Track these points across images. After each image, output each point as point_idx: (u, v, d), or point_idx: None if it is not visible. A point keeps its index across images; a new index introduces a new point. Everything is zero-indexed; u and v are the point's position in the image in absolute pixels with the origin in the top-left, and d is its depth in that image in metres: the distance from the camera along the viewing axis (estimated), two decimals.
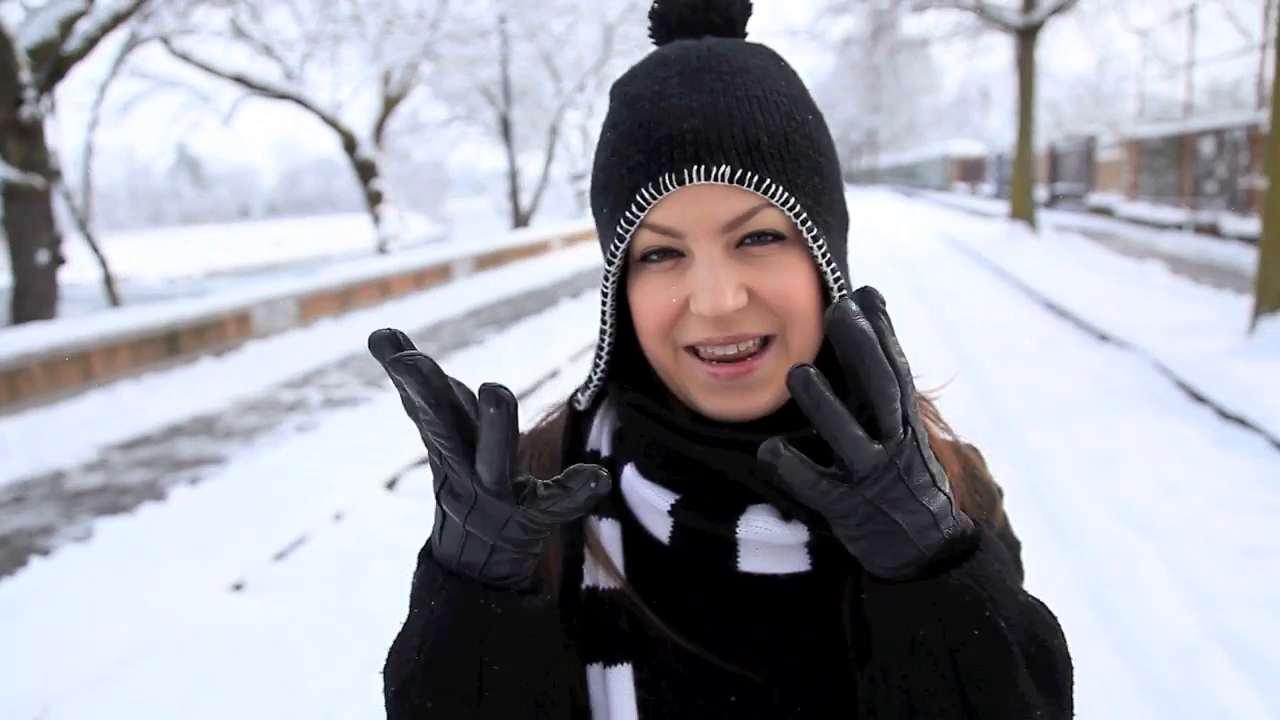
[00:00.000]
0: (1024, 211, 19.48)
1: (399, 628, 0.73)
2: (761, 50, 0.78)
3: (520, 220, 27.08)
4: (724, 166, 0.69)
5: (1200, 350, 7.55)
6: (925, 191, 50.15)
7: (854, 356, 0.59)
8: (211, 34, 17.41)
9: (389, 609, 4.26)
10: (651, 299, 0.74)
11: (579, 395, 0.86)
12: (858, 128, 68.67)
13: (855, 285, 0.89)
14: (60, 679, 3.49)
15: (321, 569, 4.59)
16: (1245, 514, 4.59)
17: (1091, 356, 8.26)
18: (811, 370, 0.58)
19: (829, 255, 0.74)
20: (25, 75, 10.03)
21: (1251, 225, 13.83)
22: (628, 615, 0.78)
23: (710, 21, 0.80)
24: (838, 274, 0.75)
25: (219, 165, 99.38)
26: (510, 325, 12.24)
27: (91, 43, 11.09)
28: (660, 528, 0.80)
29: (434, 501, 0.67)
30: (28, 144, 10.20)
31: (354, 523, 5.17)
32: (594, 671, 0.77)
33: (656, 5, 0.81)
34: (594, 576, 0.80)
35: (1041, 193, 28.07)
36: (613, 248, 0.75)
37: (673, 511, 0.78)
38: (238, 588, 4.37)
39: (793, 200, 0.71)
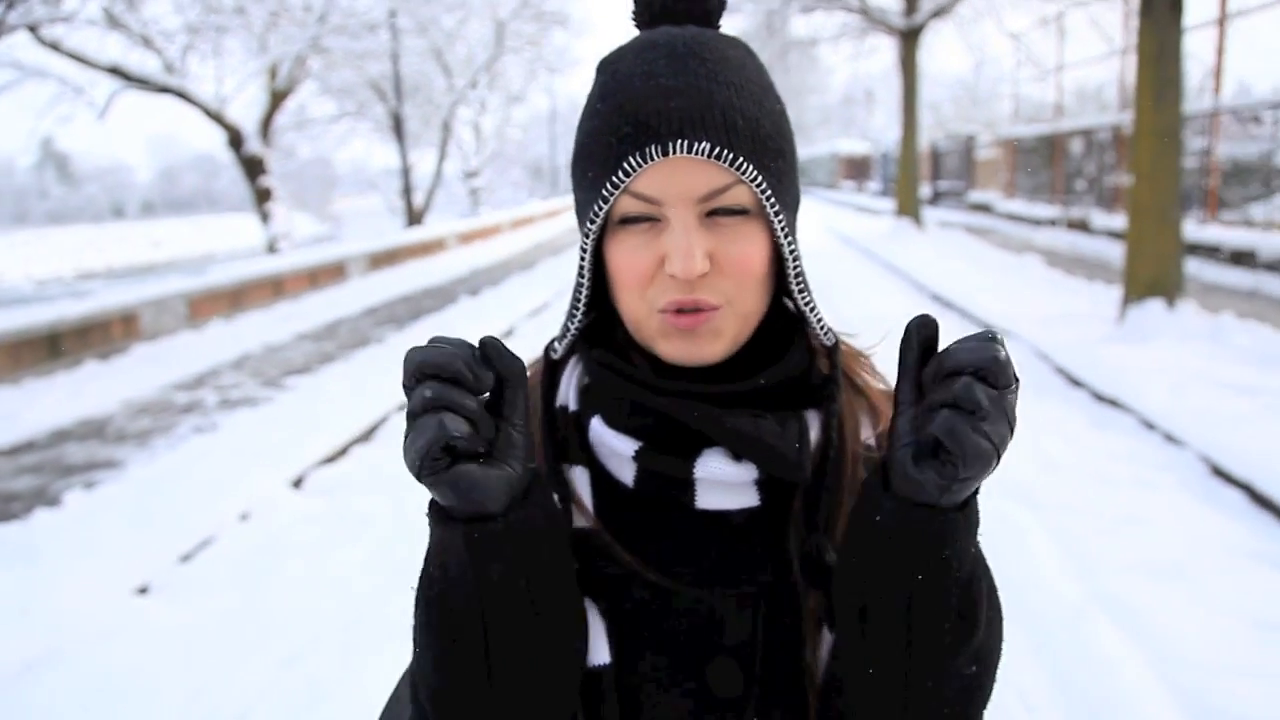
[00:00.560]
0: (909, 208, 20.19)
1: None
2: (738, 43, 0.87)
3: (414, 218, 26.67)
4: (704, 143, 0.78)
5: (1076, 337, 8.01)
6: (814, 189, 51.39)
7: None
8: (85, 22, 16.61)
9: (299, 608, 4.25)
10: (630, 257, 0.82)
11: (554, 344, 0.93)
12: None
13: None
14: None
15: (229, 570, 4.51)
16: (1120, 487, 4.93)
17: None
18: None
19: (787, 230, 0.84)
20: None
21: (1118, 221, 14.68)
22: (599, 553, 0.86)
23: (690, 11, 0.88)
24: (793, 247, 0.85)
25: (89, 161, 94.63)
26: (410, 323, 12.09)
27: None
28: (626, 473, 0.88)
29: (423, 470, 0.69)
30: None
31: (261, 522, 5.08)
32: None
33: None
34: (575, 520, 0.88)
35: (925, 190, 29.11)
36: (595, 209, 0.82)
37: (636, 456, 0.86)
38: (143, 591, 4.26)
39: (760, 179, 0.81)
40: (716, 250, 0.81)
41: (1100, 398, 6.52)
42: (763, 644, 0.86)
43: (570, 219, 30.35)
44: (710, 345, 0.83)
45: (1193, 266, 11.43)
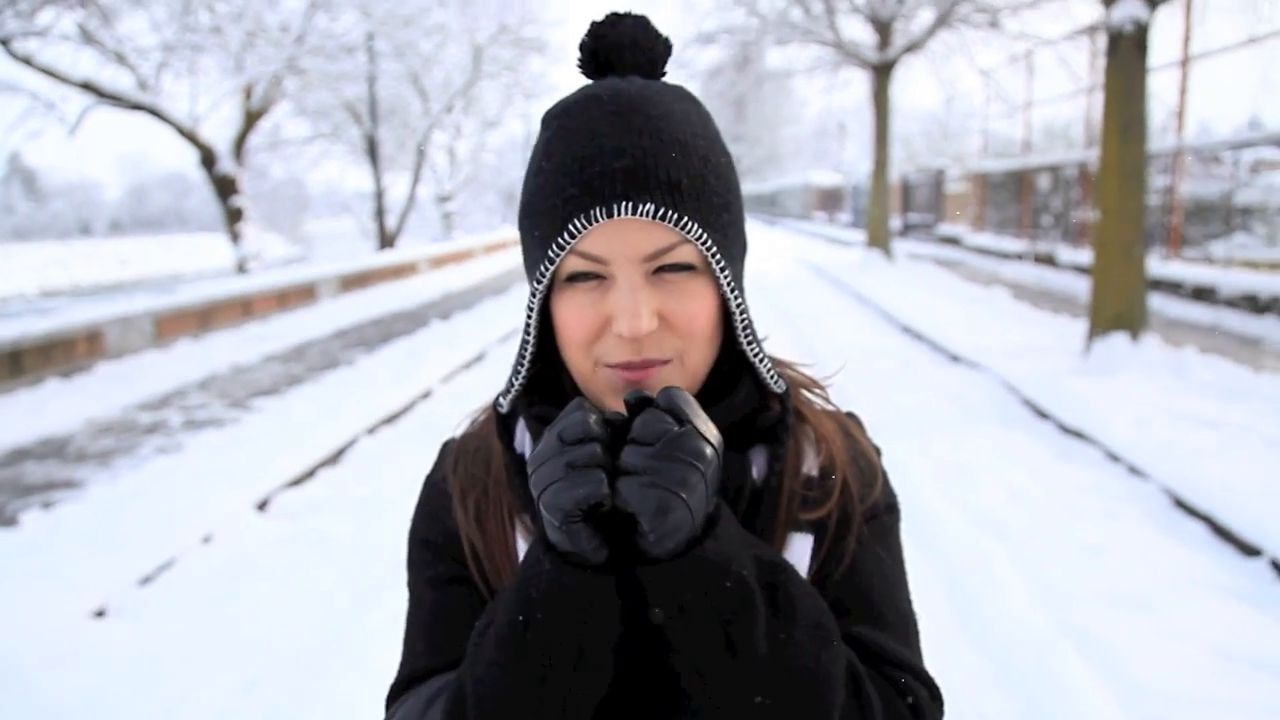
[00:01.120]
0: (880, 240, 20.40)
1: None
2: (682, 94, 0.88)
3: (386, 241, 26.59)
4: (649, 204, 0.79)
5: (1042, 370, 8.11)
6: (786, 219, 51.83)
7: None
8: (59, 37, 16.49)
9: (261, 632, 4.19)
10: (577, 315, 0.83)
11: (500, 400, 0.93)
12: None
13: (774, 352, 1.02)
14: None
15: (191, 593, 4.43)
16: (1085, 518, 4.98)
17: (945, 376, 8.74)
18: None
19: (733, 285, 0.86)
20: None
21: (1083, 255, 14.92)
22: None
23: (635, 61, 0.89)
24: (739, 300, 0.87)
25: (57, 178, 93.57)
26: (380, 346, 12.02)
27: None
28: None
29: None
30: None
31: (224, 545, 5.01)
32: None
33: (587, 40, 0.89)
34: None
35: (896, 222, 29.45)
36: (542, 269, 0.83)
37: None
38: (100, 614, 4.18)
39: (705, 236, 0.82)
40: (664, 308, 0.82)
41: (1066, 430, 6.59)
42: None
43: None
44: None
45: (1156, 301, 11.64)
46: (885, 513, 0.98)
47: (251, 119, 19.86)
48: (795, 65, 24.09)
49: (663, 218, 0.79)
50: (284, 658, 3.76)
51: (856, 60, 20.23)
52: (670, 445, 0.72)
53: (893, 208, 25.95)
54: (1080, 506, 5.16)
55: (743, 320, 0.87)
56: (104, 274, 40.02)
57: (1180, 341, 9.12)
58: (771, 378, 0.90)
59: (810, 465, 0.95)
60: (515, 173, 54.63)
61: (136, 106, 17.73)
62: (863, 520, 0.94)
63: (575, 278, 0.83)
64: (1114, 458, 5.89)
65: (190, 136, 18.65)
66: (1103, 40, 8.66)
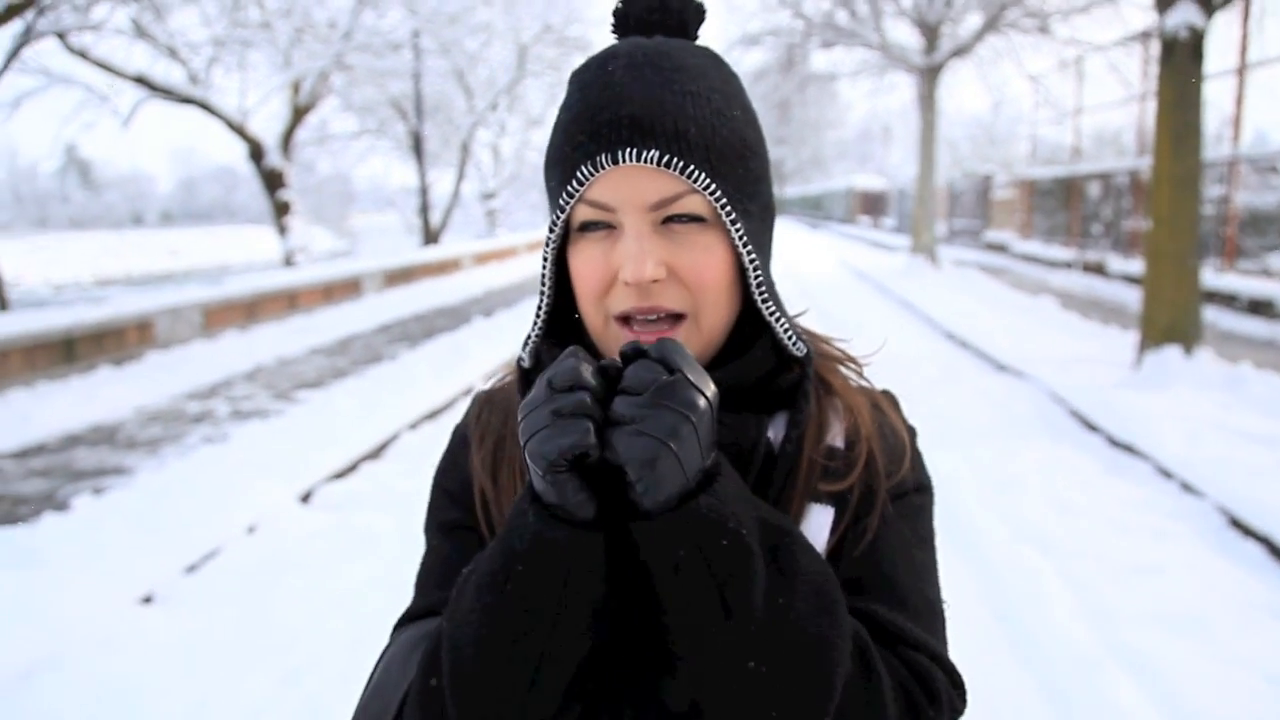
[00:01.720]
0: (925, 245, 20.20)
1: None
2: (704, 52, 0.88)
3: (430, 237, 26.79)
4: (653, 151, 0.79)
5: (1091, 381, 7.96)
6: (829, 223, 51.47)
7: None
8: (113, 31, 16.81)
9: (302, 624, 4.21)
10: (587, 265, 0.84)
11: (522, 355, 0.93)
12: None
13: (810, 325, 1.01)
14: None
15: (234, 582, 4.48)
16: (1135, 535, 4.87)
17: (991, 385, 8.62)
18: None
19: (746, 239, 0.84)
20: None
21: (1135, 265, 14.65)
22: None
23: (665, 23, 0.90)
24: (753, 256, 0.84)
25: (111, 169, 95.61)
26: (423, 341, 12.11)
27: None
28: None
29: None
30: None
31: (267, 536, 5.06)
32: None
33: (619, 4, 0.91)
34: None
35: (941, 228, 29.14)
36: (555, 218, 0.84)
37: None
38: (147, 600, 4.24)
39: (714, 187, 0.81)
40: (671, 258, 0.82)
41: (1116, 443, 6.47)
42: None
43: None
44: None
45: (1210, 314, 11.39)
46: (915, 492, 0.95)
47: (299, 114, 20.11)
48: (840, 68, 23.97)
49: (667, 165, 0.79)
50: (325, 650, 3.78)
51: (903, 64, 20.04)
52: (659, 393, 0.69)
53: (938, 213, 25.69)
54: (1130, 522, 5.05)
55: (757, 277, 0.85)
56: (155, 264, 40.76)
57: (1235, 356, 8.91)
58: (790, 339, 0.88)
59: (835, 436, 0.93)
60: None
61: (187, 100, 18.03)
62: (888, 497, 0.91)
63: (586, 227, 0.84)
64: (1165, 473, 5.77)
65: (239, 130, 18.93)
66: (1156, 47, 8.49)
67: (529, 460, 0.71)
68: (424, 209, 26.42)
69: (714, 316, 0.85)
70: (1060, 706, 3.29)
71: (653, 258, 0.80)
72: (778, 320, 0.88)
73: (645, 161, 0.79)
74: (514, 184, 38.31)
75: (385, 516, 5.30)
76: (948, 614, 0.94)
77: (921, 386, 8.45)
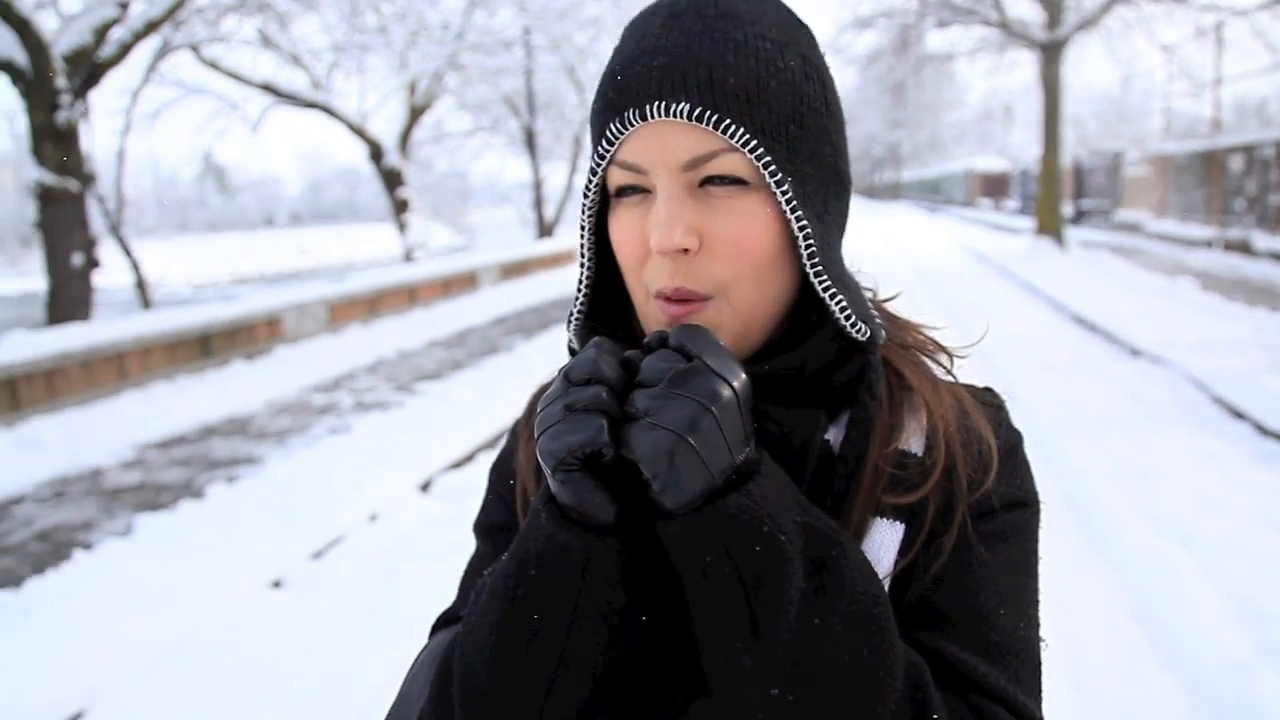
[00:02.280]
0: (1050, 227, 19.41)
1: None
2: (767, 2, 0.77)
3: (544, 230, 27.16)
4: (683, 104, 0.70)
5: (1237, 366, 7.48)
6: (949, 207, 49.99)
7: None
8: (241, 42, 17.59)
9: (421, 609, 4.28)
10: (624, 234, 0.76)
11: (571, 336, 0.86)
12: (880, 142, 68.58)
13: (883, 295, 0.89)
14: (105, 670, 3.52)
15: (358, 569, 4.61)
16: None
17: (1124, 371, 8.20)
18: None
19: (795, 204, 0.73)
20: (61, 81, 10.17)
21: None
22: None
23: None
24: (804, 223, 0.73)
25: (244, 174, 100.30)
26: (538, 333, 12.27)
27: (125, 49, 11.22)
28: None
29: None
30: (63, 148, 10.33)
31: (389, 524, 5.19)
32: None
33: None
34: None
35: (1068, 208, 27.95)
36: (589, 182, 0.77)
37: None
38: (276, 585, 4.39)
39: (756, 144, 0.71)
40: (705, 226, 0.73)
41: (1265, 431, 6.05)
42: None
43: None
44: None
45: None
46: (1007, 509, 0.79)
47: (416, 114, 20.65)
48: (957, 47, 23.16)
49: (700, 119, 0.70)
50: None
51: (1024, 40, 19.27)
52: (674, 383, 0.64)
53: (1064, 193, 24.61)
54: None
55: (809, 247, 0.74)
56: (285, 263, 42.55)
57: None
58: (850, 321, 0.76)
59: (910, 440, 0.79)
60: None
61: (310, 105, 18.73)
62: (969, 514, 0.77)
63: (621, 192, 0.76)
64: None
65: (359, 132, 19.56)
66: None
67: (540, 459, 0.66)
68: (538, 203, 26.79)
69: (754, 293, 0.75)
70: (1208, 713, 3.08)
71: (682, 223, 0.71)
72: (834, 298, 0.75)
73: (675, 116, 0.71)
74: None
75: None
76: (1045, 655, 0.80)
77: (1049, 374, 8.10)
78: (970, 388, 0.87)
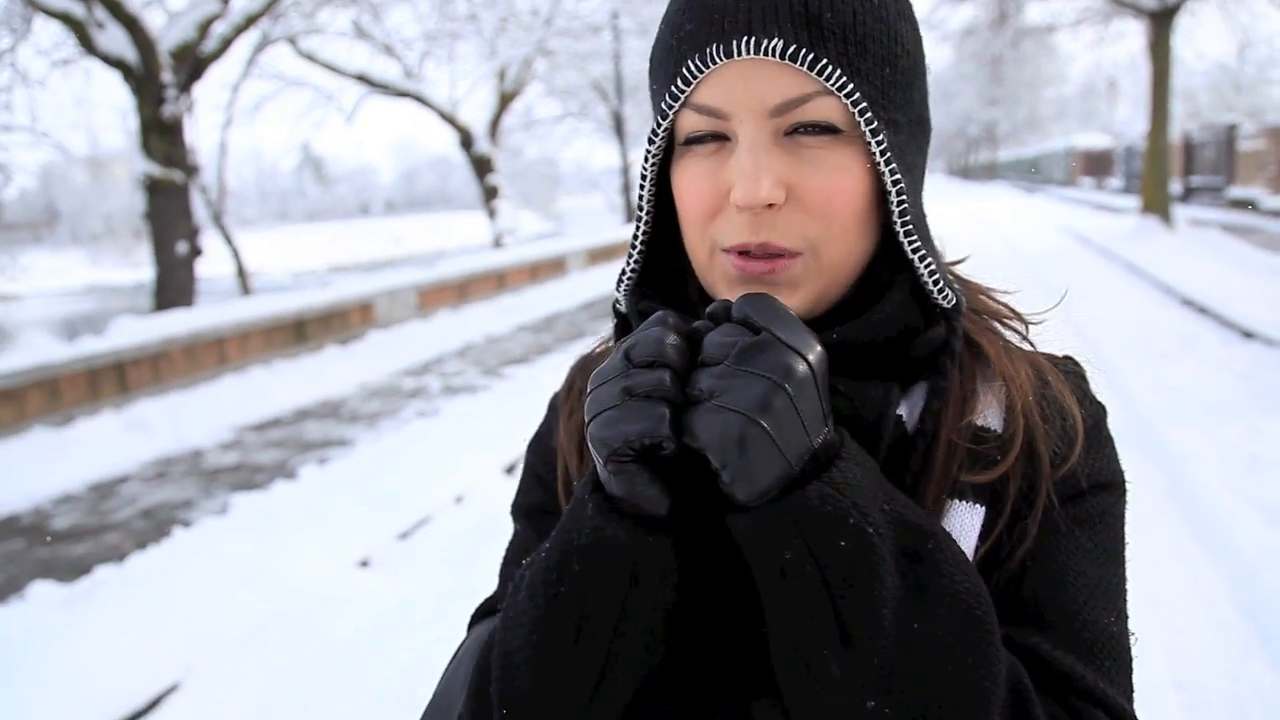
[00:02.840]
0: (1157, 205, 18.56)
1: None
2: None
3: (632, 215, 27.21)
4: (777, 40, 0.63)
5: None
6: (1047, 186, 48.36)
7: None
8: (336, 34, 18.03)
9: None
10: (693, 185, 0.69)
11: (618, 297, 0.79)
12: (976, 121, 66.68)
13: (973, 273, 0.82)
14: (200, 643, 3.64)
15: (444, 549, 4.68)
16: None
17: (1235, 354, 7.79)
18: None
19: (889, 155, 0.66)
20: (167, 76, 10.56)
21: None
22: None
23: None
24: (898, 177, 0.67)
25: (340, 165, 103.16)
26: None
27: (226, 43, 11.60)
28: None
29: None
30: (169, 141, 10.74)
31: (474, 505, 5.25)
32: None
33: None
34: None
35: (1175, 186, 26.73)
36: (656, 126, 0.70)
37: None
38: (364, 564, 4.49)
39: (852, 88, 0.64)
40: (794, 178, 0.66)
41: None
42: None
43: None
44: (785, 299, 0.67)
45: None
46: (1095, 491, 0.73)
47: (505, 100, 20.86)
48: (1059, 19, 22.30)
49: (794, 58, 0.63)
50: None
51: (1131, 9, 18.42)
52: (741, 359, 0.58)
53: (1172, 170, 23.55)
54: None
55: (901, 203, 0.67)
56: (380, 250, 43.63)
57: None
58: (936, 285, 0.70)
59: (987, 414, 0.73)
60: None
61: (403, 94, 19.09)
62: (1055, 494, 0.71)
63: (693, 140, 0.69)
64: None
65: (450, 120, 19.86)
66: None
67: (590, 445, 0.61)
68: (625, 188, 26.83)
69: (841, 251, 0.69)
70: None
71: (770, 175, 0.65)
72: (924, 259, 0.70)
73: (766, 54, 0.63)
74: None
75: None
76: (1136, 649, 0.72)
77: (1154, 358, 7.75)
78: (1050, 356, 0.80)
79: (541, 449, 0.91)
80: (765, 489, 0.58)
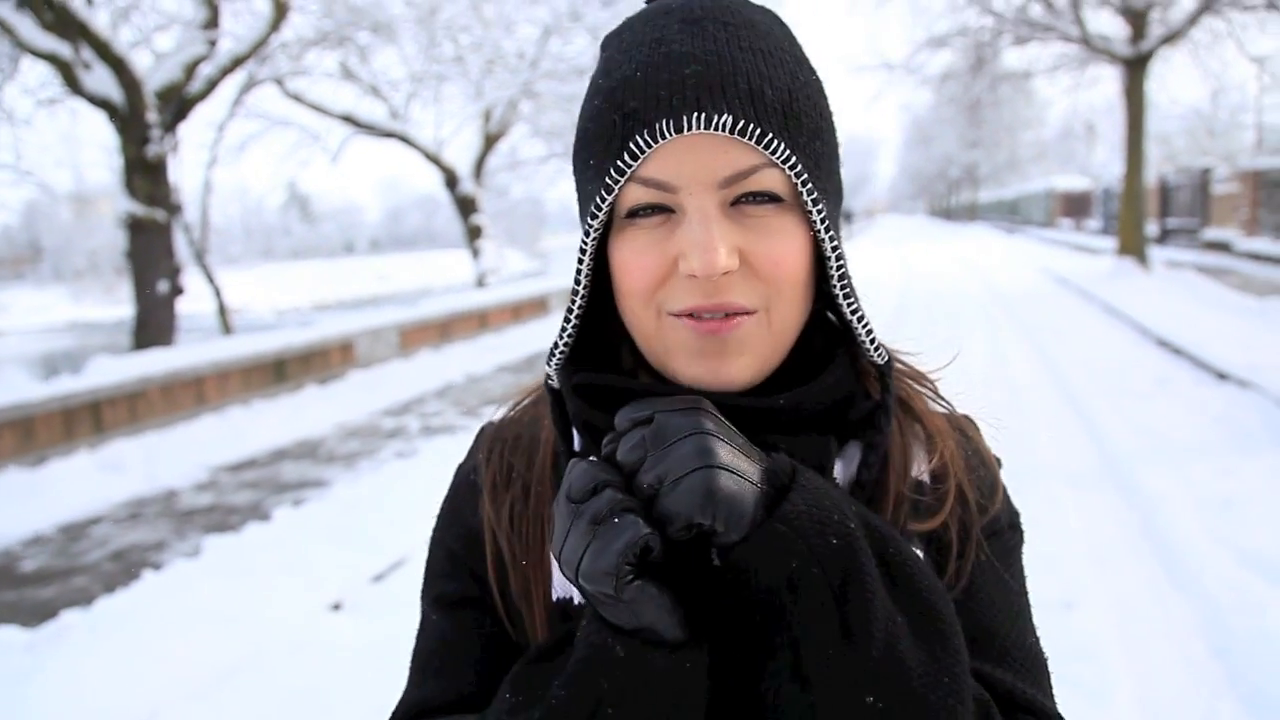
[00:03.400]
0: (1134, 247, 18.80)
1: None
2: (764, 9, 0.75)
3: None
4: (726, 116, 0.65)
5: None
6: (1027, 228, 48.91)
7: None
8: (322, 75, 18.15)
9: None
10: (638, 257, 0.70)
11: (550, 372, 0.78)
12: (957, 163, 67.54)
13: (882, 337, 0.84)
14: (168, 688, 3.59)
15: (417, 592, 4.62)
16: None
17: (1210, 395, 7.86)
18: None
19: (827, 222, 0.70)
20: (152, 116, 10.60)
21: None
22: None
23: None
24: (836, 242, 0.71)
25: (326, 202, 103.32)
26: None
27: (212, 85, 11.66)
28: None
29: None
30: (152, 180, 10.75)
31: None
32: None
33: None
34: (567, 588, 0.76)
35: (1152, 228, 27.08)
36: (599, 200, 0.69)
37: None
38: (336, 607, 4.44)
39: (795, 159, 0.68)
40: (745, 245, 0.68)
41: None
42: None
43: None
44: (735, 363, 0.70)
45: None
46: (1008, 530, 0.83)
47: (490, 141, 21.01)
48: (1036, 65, 22.65)
49: (743, 133, 0.65)
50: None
51: (1106, 55, 18.78)
52: (654, 441, 0.62)
53: (1148, 212, 23.86)
54: None
55: (839, 268, 0.71)
56: (364, 289, 43.61)
57: None
58: (873, 344, 0.74)
59: (920, 468, 0.79)
60: None
61: (389, 134, 19.19)
62: (983, 536, 0.80)
63: (637, 213, 0.69)
64: None
65: (435, 160, 19.97)
66: None
67: (589, 588, 0.61)
68: None
69: (789, 314, 0.71)
70: None
71: (725, 243, 0.66)
72: (861, 321, 0.74)
73: (716, 129, 0.65)
74: None
75: None
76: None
77: (1129, 398, 7.82)
78: (952, 412, 0.87)
79: (458, 527, 0.86)
80: (751, 515, 0.61)
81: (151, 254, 10.83)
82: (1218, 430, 6.76)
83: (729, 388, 0.71)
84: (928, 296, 16.43)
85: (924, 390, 0.85)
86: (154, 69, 11.13)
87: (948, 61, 23.71)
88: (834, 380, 0.74)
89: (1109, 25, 19.32)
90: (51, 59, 10.11)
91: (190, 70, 11.14)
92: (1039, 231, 44.37)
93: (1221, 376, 8.47)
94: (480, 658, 0.79)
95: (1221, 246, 22.23)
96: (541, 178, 33.41)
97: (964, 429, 0.85)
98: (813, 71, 0.74)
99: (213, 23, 11.30)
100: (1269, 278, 16.76)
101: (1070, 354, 10.23)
